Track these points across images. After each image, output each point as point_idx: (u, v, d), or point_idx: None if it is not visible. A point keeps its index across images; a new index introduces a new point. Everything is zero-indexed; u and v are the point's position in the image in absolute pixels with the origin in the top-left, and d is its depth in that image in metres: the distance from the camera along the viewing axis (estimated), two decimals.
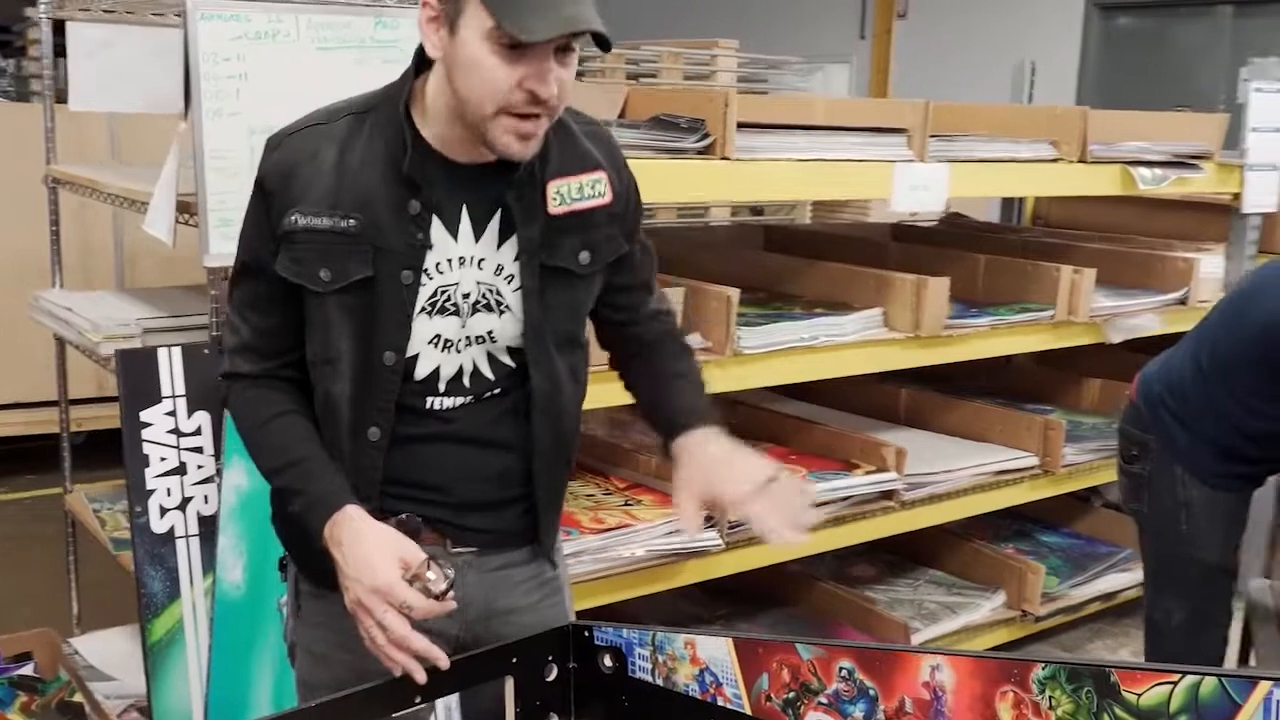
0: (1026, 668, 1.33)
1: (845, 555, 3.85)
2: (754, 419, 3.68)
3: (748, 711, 1.59)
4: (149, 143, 4.33)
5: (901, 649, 1.43)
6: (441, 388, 1.68)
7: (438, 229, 1.61)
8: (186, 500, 2.40)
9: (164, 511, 2.37)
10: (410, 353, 1.64)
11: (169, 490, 2.38)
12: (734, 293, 2.96)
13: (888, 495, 3.37)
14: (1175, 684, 1.23)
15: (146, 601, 2.35)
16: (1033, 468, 3.71)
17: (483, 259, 1.64)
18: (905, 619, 3.55)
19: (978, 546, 3.95)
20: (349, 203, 1.58)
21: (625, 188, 1.74)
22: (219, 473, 2.36)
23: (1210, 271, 4.07)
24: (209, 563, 2.36)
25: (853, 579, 3.86)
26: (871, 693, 1.46)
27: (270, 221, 1.61)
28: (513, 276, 1.65)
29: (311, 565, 1.77)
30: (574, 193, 1.67)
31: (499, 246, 1.64)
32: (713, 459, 1.71)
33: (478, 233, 1.63)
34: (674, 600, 3.49)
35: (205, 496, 2.40)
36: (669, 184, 2.86)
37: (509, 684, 1.72)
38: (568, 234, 1.67)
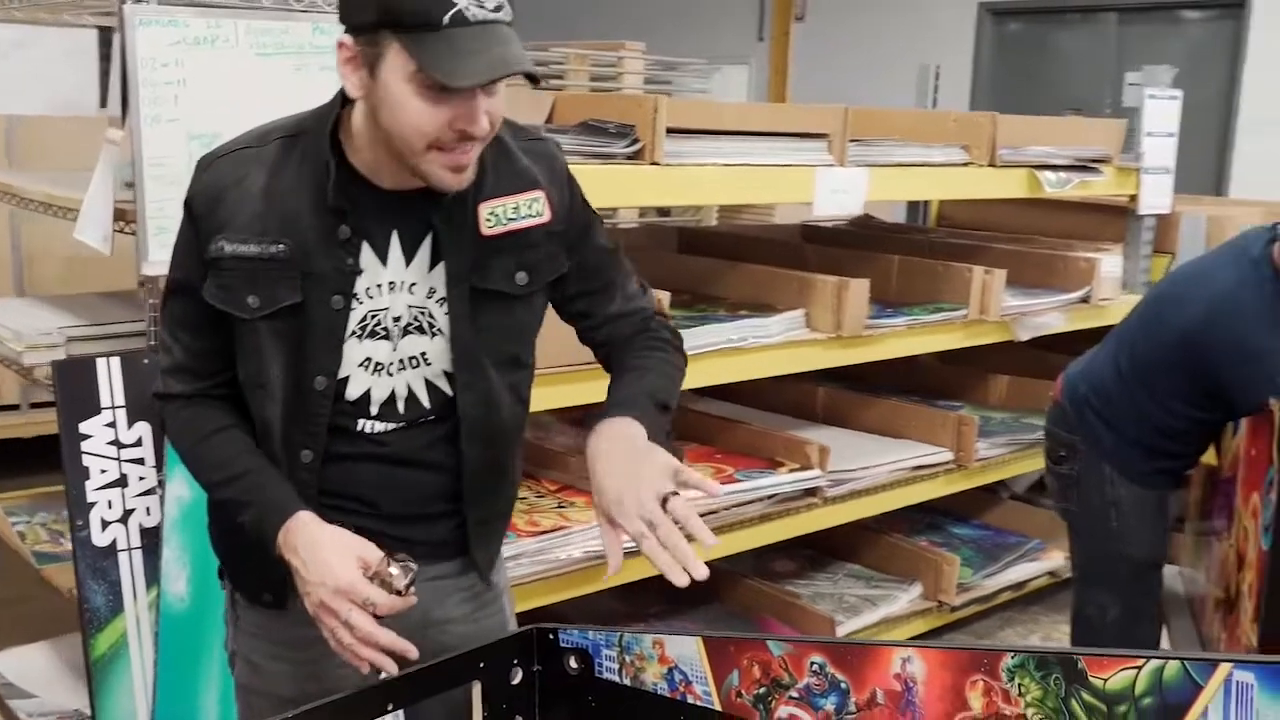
0: (996, 657, 1.39)
1: (765, 551, 3.91)
2: (680, 420, 3.72)
3: (718, 708, 1.62)
4: (48, 145, 4.23)
5: (873, 643, 1.48)
6: (373, 410, 1.66)
7: (368, 254, 1.60)
8: (128, 513, 2.35)
9: (105, 524, 2.33)
10: (341, 375, 1.63)
11: (110, 503, 2.34)
12: (665, 295, 3.00)
13: (811, 492, 3.45)
14: (1140, 668, 1.29)
15: (89, 616, 2.30)
16: (947, 462, 3.82)
17: (414, 283, 1.63)
18: (828, 612, 3.62)
19: (894, 540, 4.05)
20: (277, 228, 1.56)
21: (566, 203, 1.72)
22: (161, 484, 2.33)
23: (1110, 271, 4.23)
24: (152, 575, 2.32)
25: (775, 574, 3.93)
26: (843, 685, 1.50)
27: (199, 245, 1.59)
28: (445, 300, 1.64)
29: (247, 581, 1.77)
30: (509, 213, 1.65)
31: (430, 270, 1.63)
32: (609, 473, 1.60)
33: (409, 257, 1.62)
34: (604, 600, 3.52)
35: (147, 508, 2.36)
36: (599, 189, 2.84)
37: (476, 689, 1.73)
38: (503, 255, 1.65)
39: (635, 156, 2.94)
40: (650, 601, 3.66)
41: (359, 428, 1.67)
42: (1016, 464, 4.08)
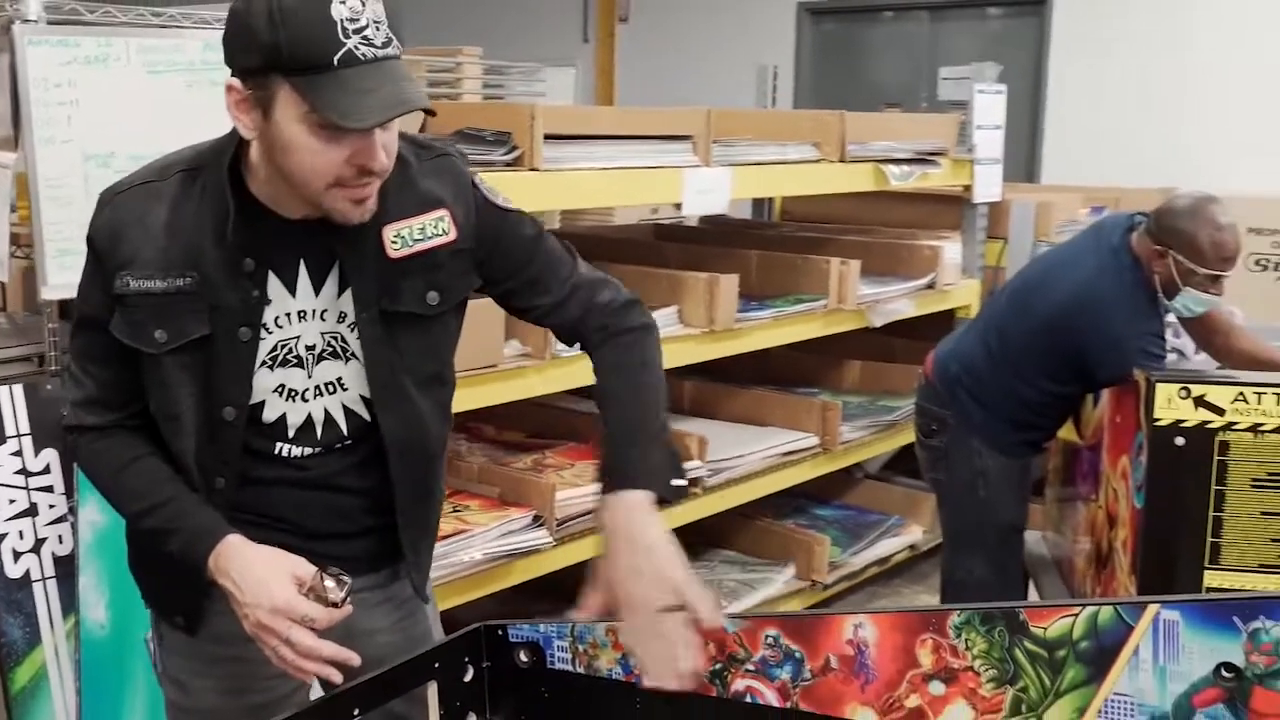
0: (943, 616, 1.51)
1: None
2: (560, 421, 3.80)
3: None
4: None
5: (826, 613, 1.58)
6: (290, 434, 1.67)
7: (275, 284, 1.60)
8: (40, 542, 2.29)
9: (18, 555, 2.26)
10: (255, 399, 1.63)
11: (21, 533, 2.27)
12: None
13: (693, 482, 3.56)
14: (1076, 615, 1.43)
15: (6, 650, 2.23)
16: (814, 447, 3.99)
17: (325, 310, 1.63)
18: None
19: (765, 525, 4.21)
20: (182, 262, 1.55)
21: (472, 219, 1.69)
22: (72, 510, 2.28)
23: (952, 257, 4.48)
24: (69, 604, 2.27)
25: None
26: (797, 655, 1.61)
27: (103, 281, 1.58)
28: (356, 325, 1.64)
29: (162, 603, 1.77)
30: (414, 234, 1.64)
31: (339, 296, 1.63)
32: (628, 561, 1.58)
33: (317, 286, 1.62)
34: (496, 604, 3.56)
35: (59, 536, 2.29)
36: None
37: (432, 688, 1.78)
38: (412, 276, 1.65)
39: (514, 163, 3.00)
40: (541, 600, 3.71)
41: (276, 451, 1.67)
42: (876, 445, 4.28)
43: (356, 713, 1.66)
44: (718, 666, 1.68)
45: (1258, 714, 1.37)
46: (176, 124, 2.32)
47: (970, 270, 4.64)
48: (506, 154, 2.98)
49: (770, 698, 1.63)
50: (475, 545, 2.94)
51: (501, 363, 3.01)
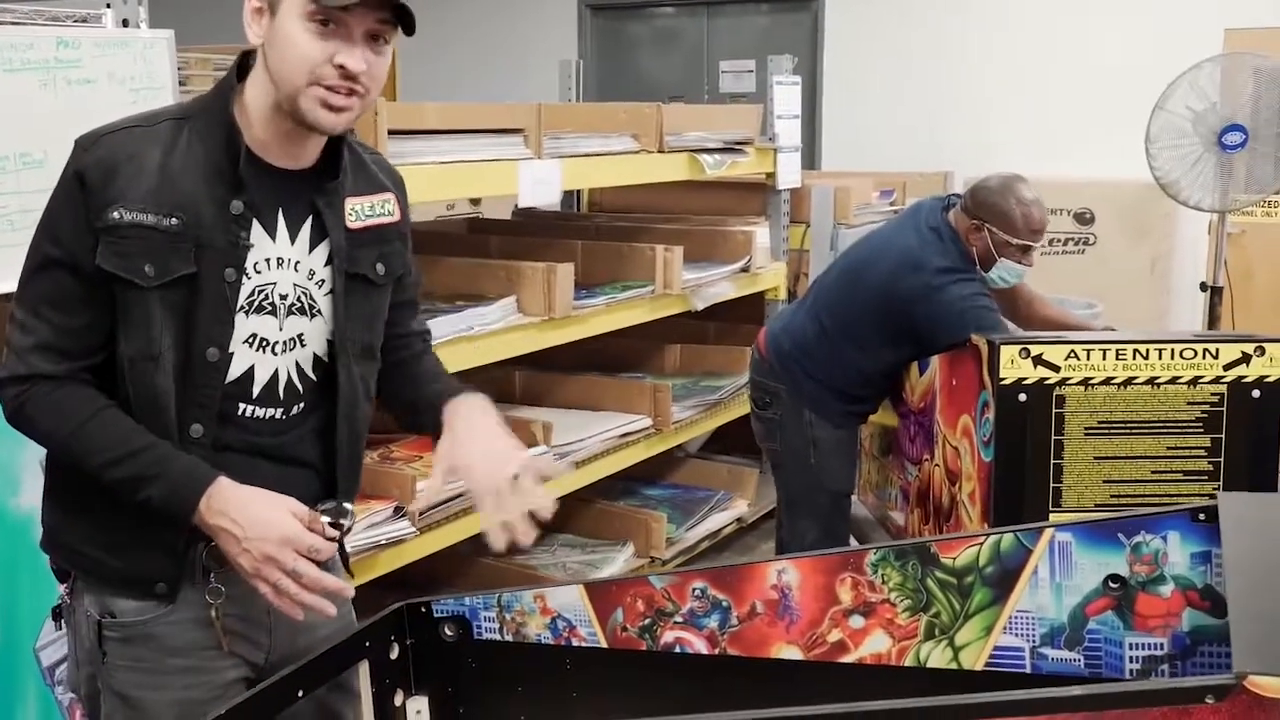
0: (860, 555, 1.66)
1: (479, 533, 4.07)
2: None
3: (603, 645, 1.80)
4: None
5: (750, 562, 1.71)
6: (255, 393, 1.72)
7: (257, 230, 1.68)
8: None
9: None
10: (230, 348, 1.68)
11: None
12: None
13: None
14: (981, 544, 1.60)
15: None
16: (647, 428, 4.13)
17: (297, 261, 1.72)
18: (565, 581, 3.84)
19: (602, 506, 4.33)
20: (172, 203, 1.62)
21: (406, 212, 1.88)
22: None
23: (762, 241, 4.69)
24: None
25: (494, 554, 4.08)
26: (724, 604, 1.73)
27: (88, 216, 1.60)
28: (323, 281, 1.74)
29: (134, 578, 1.71)
30: (368, 210, 1.79)
31: (310, 251, 1.73)
32: (471, 435, 1.79)
33: (293, 236, 1.71)
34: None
35: None
36: None
37: (364, 667, 1.82)
38: (365, 247, 1.78)
39: None
40: (391, 595, 3.72)
41: (239, 411, 1.71)
42: (703, 423, 4.46)
43: (300, 694, 1.70)
44: (647, 622, 1.79)
45: (1142, 616, 1.57)
46: (30, 121, 2.29)
47: (777, 254, 4.87)
48: None
49: (699, 646, 1.75)
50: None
51: None
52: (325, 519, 1.66)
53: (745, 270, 4.56)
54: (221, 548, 1.64)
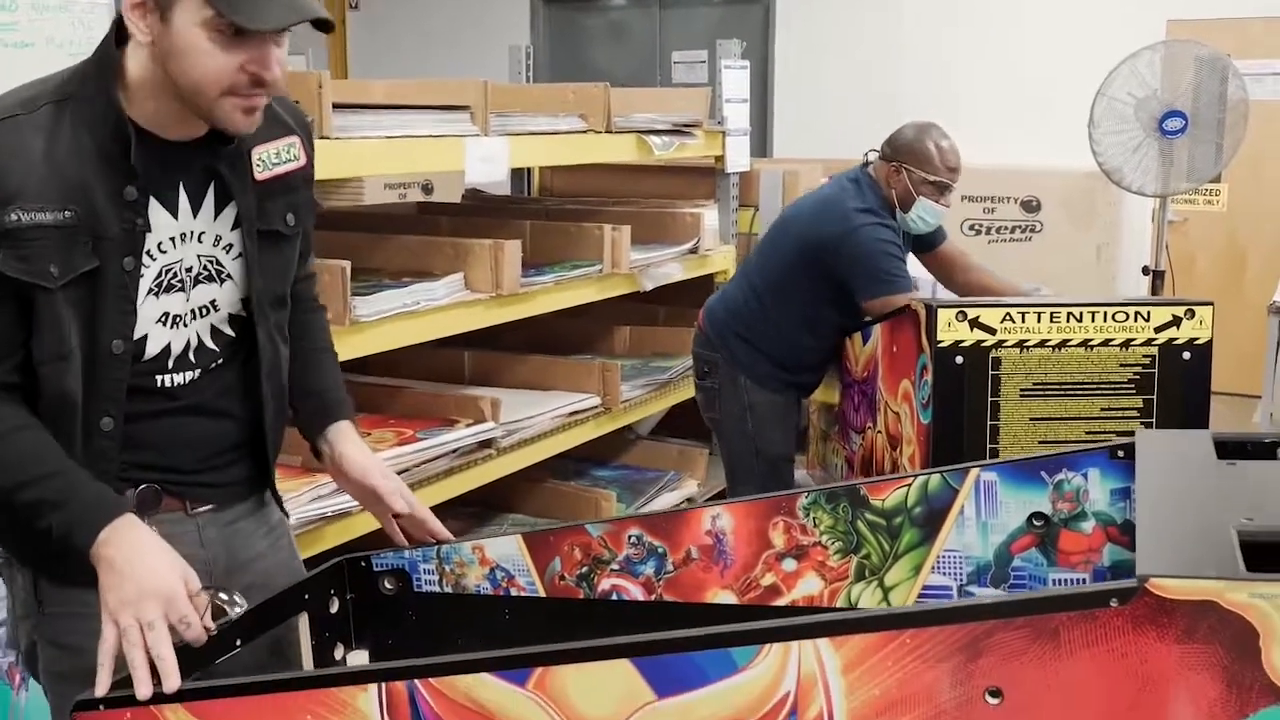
0: (792, 499, 1.69)
1: (435, 512, 4.07)
2: (352, 394, 3.80)
3: (541, 594, 1.83)
4: None
5: (686, 509, 1.74)
6: (170, 364, 1.71)
7: (156, 210, 1.63)
8: None
9: None
10: (139, 334, 1.66)
11: None
12: (346, 265, 3.11)
13: (487, 444, 3.66)
14: (909, 485, 1.64)
15: None
16: (596, 407, 4.15)
17: (202, 232, 1.69)
18: None
19: (552, 486, 4.34)
20: (63, 195, 1.56)
21: (311, 154, 1.83)
22: None
23: (711, 224, 4.72)
24: None
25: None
26: (660, 550, 1.75)
27: None
28: (231, 245, 1.72)
29: (53, 565, 1.71)
30: (274, 158, 1.74)
31: (215, 218, 1.70)
32: (362, 477, 1.92)
33: (195, 208, 1.67)
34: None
35: None
36: None
37: (304, 620, 1.83)
38: (274, 198, 1.75)
39: None
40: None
41: (157, 384, 1.70)
42: (652, 404, 4.48)
43: (239, 643, 1.71)
44: (584, 570, 1.81)
45: (1064, 553, 1.61)
46: None
47: (726, 236, 4.91)
48: None
49: (635, 593, 1.78)
50: (290, 512, 2.94)
51: None
52: (213, 598, 1.59)
53: (694, 252, 4.58)
54: (100, 578, 1.56)
